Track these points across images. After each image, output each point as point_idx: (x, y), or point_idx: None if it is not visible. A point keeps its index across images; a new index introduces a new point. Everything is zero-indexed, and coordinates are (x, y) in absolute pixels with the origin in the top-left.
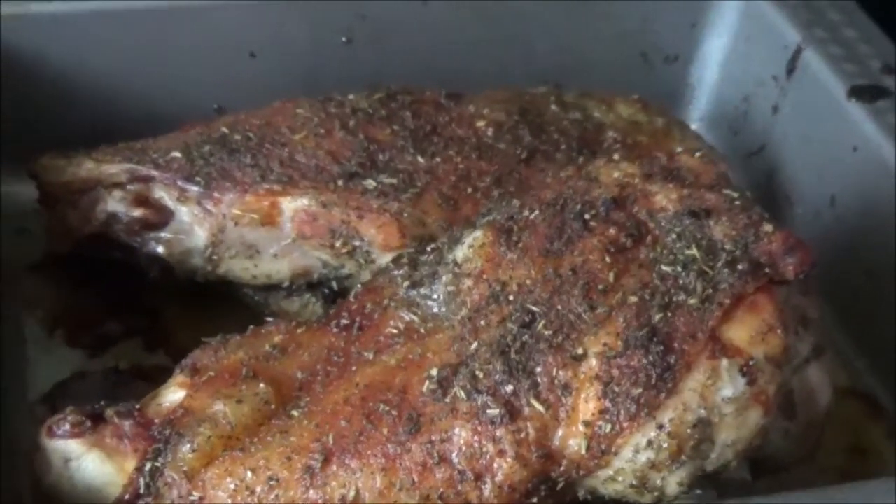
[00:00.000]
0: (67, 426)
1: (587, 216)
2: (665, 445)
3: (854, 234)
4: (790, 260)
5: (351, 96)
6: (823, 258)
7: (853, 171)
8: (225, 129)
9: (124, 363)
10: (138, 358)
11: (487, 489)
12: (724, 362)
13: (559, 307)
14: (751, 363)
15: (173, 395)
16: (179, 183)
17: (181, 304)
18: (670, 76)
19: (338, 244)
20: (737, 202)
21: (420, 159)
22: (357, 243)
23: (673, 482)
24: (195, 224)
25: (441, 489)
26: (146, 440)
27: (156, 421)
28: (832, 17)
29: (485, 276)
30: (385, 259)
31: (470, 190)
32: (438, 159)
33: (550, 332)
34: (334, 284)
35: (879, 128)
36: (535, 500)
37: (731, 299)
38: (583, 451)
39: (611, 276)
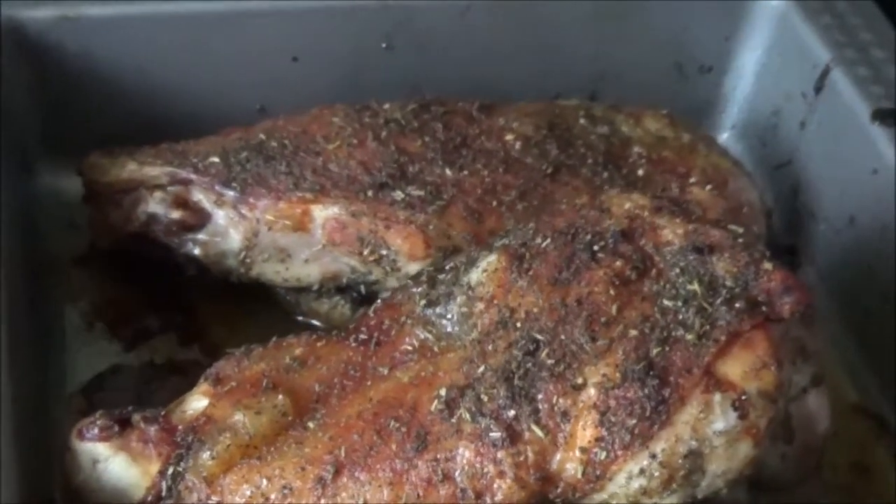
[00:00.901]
0: (96, 430)
1: (596, 247)
2: (657, 474)
3: (871, 255)
4: (787, 299)
5: (386, 105)
6: (840, 276)
7: (872, 193)
8: (263, 136)
9: (159, 357)
10: (173, 352)
11: None
12: (717, 396)
13: (563, 337)
14: (743, 398)
15: (197, 402)
16: (217, 187)
17: (216, 302)
18: (704, 86)
19: (365, 252)
20: (739, 239)
21: (448, 172)
22: (384, 252)
23: None
24: (230, 227)
25: None
26: (170, 445)
27: (179, 427)
28: (864, 37)
29: (495, 302)
30: (411, 267)
31: (495, 203)
32: (466, 172)
33: (553, 362)
34: (362, 288)
35: None
36: None
37: (727, 336)
38: (579, 476)
39: (614, 309)
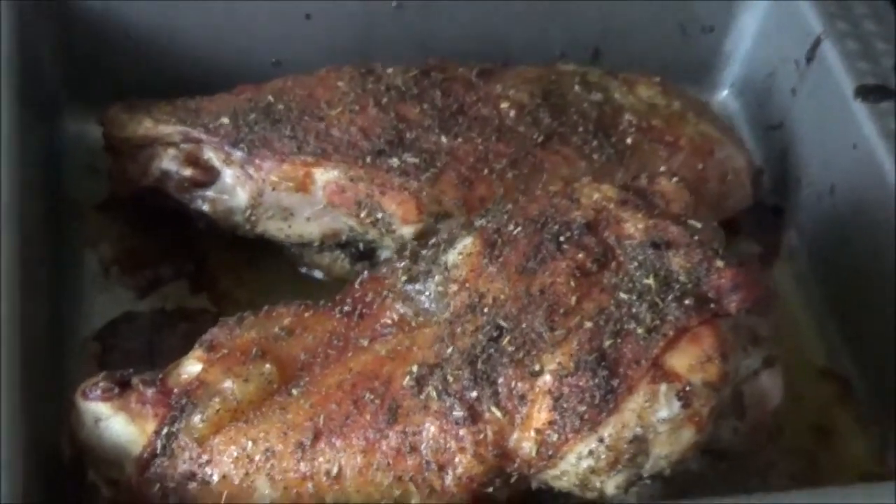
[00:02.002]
0: (99, 391)
1: (562, 238)
2: (603, 456)
3: (848, 226)
4: (734, 296)
5: (390, 70)
6: (820, 241)
7: (851, 167)
8: (271, 98)
9: (170, 304)
10: (183, 300)
11: (449, 479)
12: (663, 387)
13: (524, 325)
14: (688, 388)
15: (192, 367)
16: (226, 148)
17: (225, 252)
18: (706, 45)
19: (362, 214)
20: (696, 237)
21: (443, 139)
22: (379, 215)
23: (611, 485)
24: (237, 186)
25: (411, 473)
26: (165, 407)
27: (175, 390)
28: (858, 10)
29: (467, 285)
30: (405, 230)
31: (486, 171)
32: (460, 140)
33: (513, 349)
34: (361, 245)
35: (879, 130)
36: (491, 489)
37: (675, 332)
38: (533, 454)
39: (573, 300)
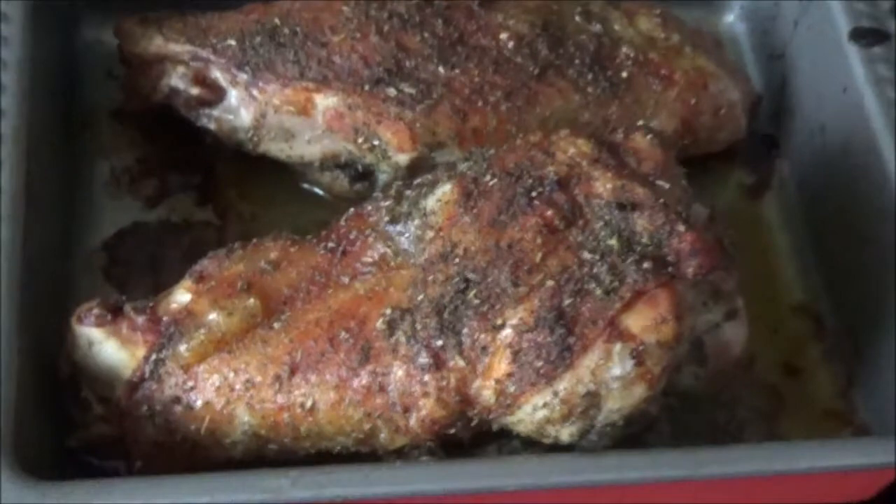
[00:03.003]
0: (93, 317)
1: (534, 193)
2: (557, 408)
3: (834, 165)
4: (692, 261)
5: None
6: (808, 177)
7: (841, 109)
8: (277, 21)
9: (176, 216)
10: (189, 212)
11: (413, 420)
12: (618, 346)
13: (490, 279)
14: (641, 348)
15: (181, 296)
16: (232, 69)
17: (232, 165)
18: None
19: (360, 140)
20: (661, 199)
21: (441, 69)
22: (376, 142)
23: (565, 433)
24: (242, 107)
25: (379, 412)
26: (155, 334)
27: (164, 319)
28: None
29: (441, 234)
30: (400, 157)
31: (480, 103)
32: (457, 71)
33: (479, 302)
34: (359, 167)
35: (868, 76)
36: (453, 430)
37: (632, 294)
38: (492, 402)
39: (538, 257)
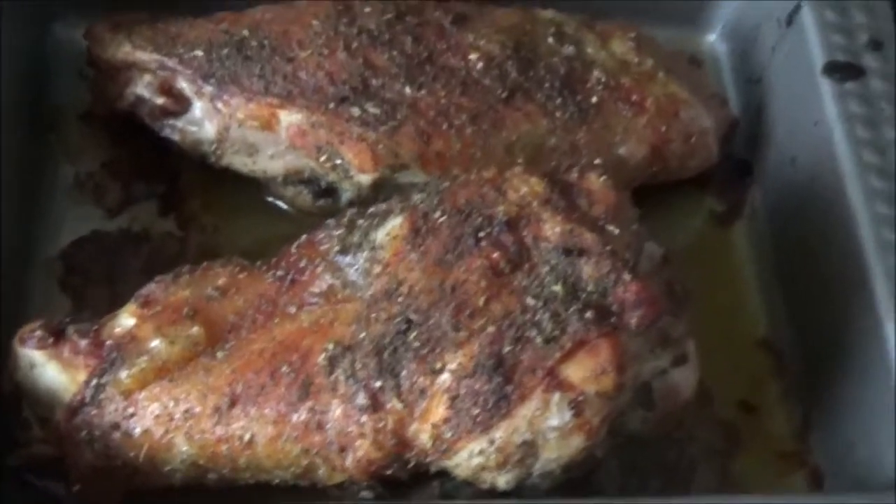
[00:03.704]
0: (35, 339)
1: (482, 234)
2: (493, 456)
3: (803, 198)
4: (636, 312)
5: (367, 8)
6: (778, 206)
7: (811, 142)
8: (246, 32)
9: (137, 225)
10: (150, 222)
11: (349, 460)
12: (556, 396)
13: (432, 322)
14: (580, 398)
15: (126, 321)
16: (198, 81)
17: (196, 175)
18: None
19: (322, 158)
20: (609, 246)
21: (407, 89)
22: (338, 161)
23: (501, 480)
24: (206, 119)
25: (317, 449)
26: (96, 358)
27: (107, 343)
28: None
29: (388, 270)
30: (362, 178)
31: (445, 126)
32: (424, 91)
33: (419, 344)
34: (323, 183)
35: (838, 111)
36: (389, 472)
37: (573, 343)
38: (429, 446)
39: (481, 301)
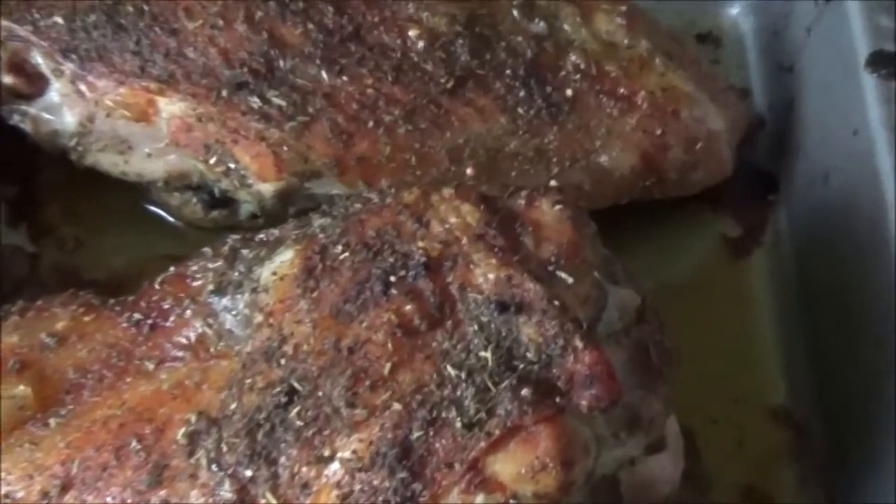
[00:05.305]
0: None
1: (393, 278)
2: None
3: (835, 226)
4: (588, 392)
5: None
6: (806, 236)
7: (849, 155)
8: None
9: None
10: None
11: None
12: (480, 498)
13: (321, 393)
14: (511, 501)
15: None
16: (56, 56)
17: (58, 175)
18: None
19: (212, 161)
20: (557, 301)
21: (324, 75)
22: (232, 165)
23: None
24: (65, 105)
25: None
26: None
27: None
28: None
29: (271, 321)
30: (263, 188)
31: (371, 123)
32: (345, 77)
33: (303, 423)
34: (216, 191)
35: (883, 117)
36: None
37: (503, 430)
38: None
39: (386, 368)
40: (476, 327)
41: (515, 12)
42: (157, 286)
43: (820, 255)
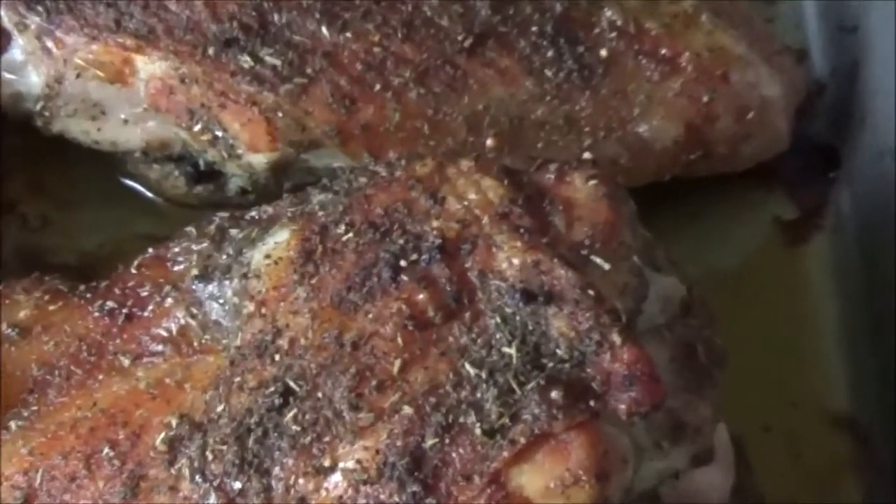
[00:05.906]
0: None
1: (403, 262)
2: None
3: None
4: (627, 395)
5: None
6: (872, 221)
7: None
8: None
9: None
10: None
11: None
12: None
13: (320, 394)
14: None
15: None
16: (19, 7)
17: (23, 143)
18: None
19: (196, 128)
20: (592, 290)
21: (324, 31)
22: (219, 133)
23: None
24: (30, 64)
25: None
26: None
27: None
28: None
29: (263, 311)
30: (254, 159)
31: (378, 86)
32: (349, 34)
33: (300, 429)
34: (200, 163)
35: None
36: None
37: (529, 437)
38: None
39: (396, 366)
40: (498, 319)
41: None
42: (133, 270)
43: (887, 240)
